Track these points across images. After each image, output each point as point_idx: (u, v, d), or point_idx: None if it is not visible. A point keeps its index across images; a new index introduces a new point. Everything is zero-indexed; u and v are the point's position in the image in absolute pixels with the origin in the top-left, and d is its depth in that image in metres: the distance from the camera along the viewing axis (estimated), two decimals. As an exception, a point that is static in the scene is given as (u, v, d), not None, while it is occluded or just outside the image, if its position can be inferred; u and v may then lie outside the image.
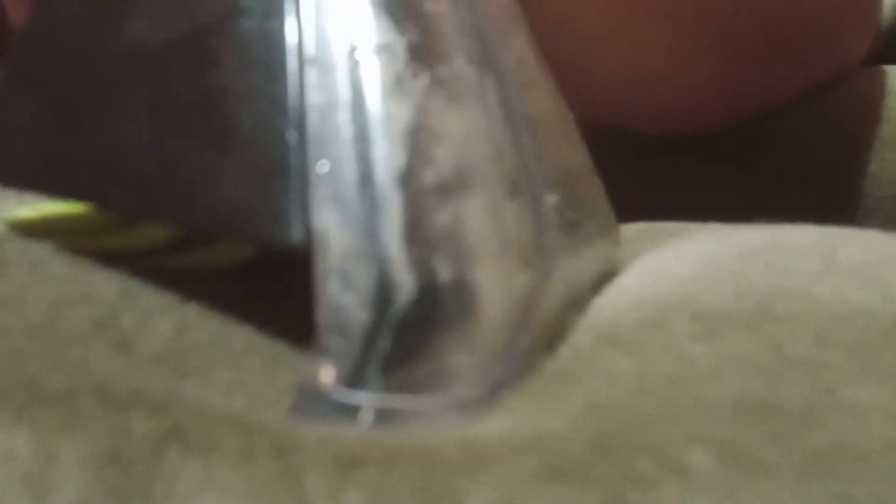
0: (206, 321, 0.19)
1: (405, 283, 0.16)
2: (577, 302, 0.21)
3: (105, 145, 0.18)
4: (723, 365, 0.17)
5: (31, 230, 0.20)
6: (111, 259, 0.20)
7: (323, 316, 0.16)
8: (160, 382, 0.17)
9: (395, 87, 0.18)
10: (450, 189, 0.17)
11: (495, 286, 0.17)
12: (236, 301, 0.19)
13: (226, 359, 0.18)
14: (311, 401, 0.16)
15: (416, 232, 0.17)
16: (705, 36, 0.42)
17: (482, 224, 0.18)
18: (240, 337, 0.19)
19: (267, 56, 0.18)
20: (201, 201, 0.17)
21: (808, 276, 0.21)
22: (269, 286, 0.20)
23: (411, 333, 0.16)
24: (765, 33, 0.43)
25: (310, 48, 0.18)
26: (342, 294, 0.16)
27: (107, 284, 0.19)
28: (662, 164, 0.48)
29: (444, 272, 0.17)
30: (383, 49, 0.18)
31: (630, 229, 0.28)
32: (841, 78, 0.49)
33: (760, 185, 0.48)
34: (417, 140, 0.17)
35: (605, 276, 0.22)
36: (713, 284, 0.21)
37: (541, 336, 0.19)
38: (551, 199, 0.20)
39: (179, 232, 0.20)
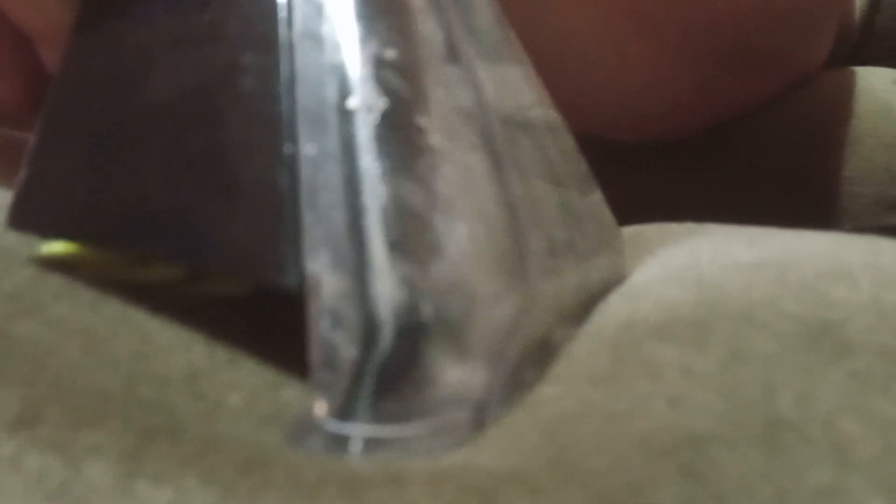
0: (216, 348, 0.20)
1: (389, 322, 0.18)
2: (575, 315, 0.22)
3: (126, 195, 0.20)
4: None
5: (61, 264, 0.22)
6: (133, 289, 0.21)
7: (315, 352, 0.18)
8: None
9: (382, 137, 0.19)
10: (433, 232, 0.19)
11: (479, 318, 0.19)
12: (244, 329, 0.21)
13: (233, 384, 0.19)
14: (304, 432, 0.17)
15: (400, 275, 0.18)
16: (687, 49, 0.43)
17: (465, 262, 0.19)
18: (247, 363, 0.20)
19: (264, 112, 0.19)
20: (209, 246, 0.19)
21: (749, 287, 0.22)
22: (274, 315, 0.21)
23: (397, 367, 0.18)
24: (740, 44, 0.44)
25: (304, 103, 0.19)
26: (332, 332, 0.18)
27: (129, 319, 0.20)
28: (637, 168, 0.49)
29: (427, 310, 0.18)
30: (370, 102, 0.19)
31: (628, 232, 0.29)
32: (806, 80, 0.50)
33: (734, 185, 0.49)
34: (402, 187, 0.19)
35: (610, 285, 0.23)
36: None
37: (527, 355, 0.20)
38: (538, 223, 0.21)
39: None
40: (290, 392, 0.19)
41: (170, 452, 0.16)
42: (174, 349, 0.20)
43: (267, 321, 0.22)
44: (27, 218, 0.21)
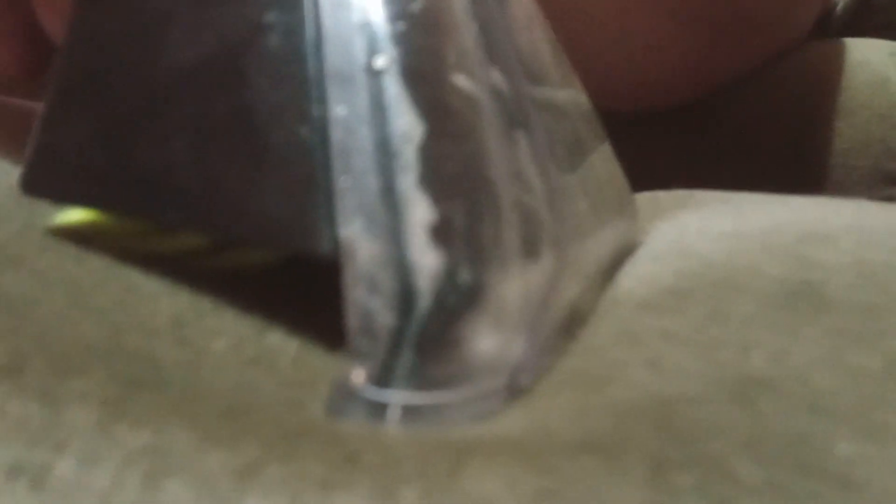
0: (201, 296, 0.20)
1: (427, 287, 0.17)
2: (597, 279, 0.22)
3: (148, 162, 0.19)
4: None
5: (75, 235, 0.21)
6: (153, 260, 0.21)
7: (352, 319, 0.17)
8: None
9: (413, 97, 0.18)
10: (467, 193, 0.18)
11: (514, 282, 0.18)
12: (272, 301, 0.20)
13: (218, 330, 0.19)
14: (344, 399, 0.17)
15: (437, 238, 0.17)
16: (684, 13, 0.43)
17: (500, 224, 0.18)
18: (233, 310, 0.20)
19: (291, 72, 0.18)
20: (237, 215, 0.18)
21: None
22: (304, 286, 0.21)
23: (435, 334, 0.17)
24: (733, 9, 0.44)
25: (332, 62, 0.18)
26: (369, 299, 0.17)
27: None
28: (630, 139, 0.49)
29: (464, 274, 0.17)
30: (400, 61, 0.18)
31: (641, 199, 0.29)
32: (795, 47, 0.50)
33: (727, 157, 0.49)
34: (435, 148, 0.18)
35: (625, 251, 0.23)
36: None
37: (560, 321, 0.20)
38: (566, 185, 0.21)
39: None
40: (275, 337, 0.19)
41: (152, 400, 0.16)
42: (160, 298, 0.20)
43: (287, 292, 0.21)
44: (41, 183, 0.21)
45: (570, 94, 0.24)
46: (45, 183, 0.21)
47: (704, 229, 0.23)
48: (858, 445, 0.16)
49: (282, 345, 0.19)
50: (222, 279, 0.20)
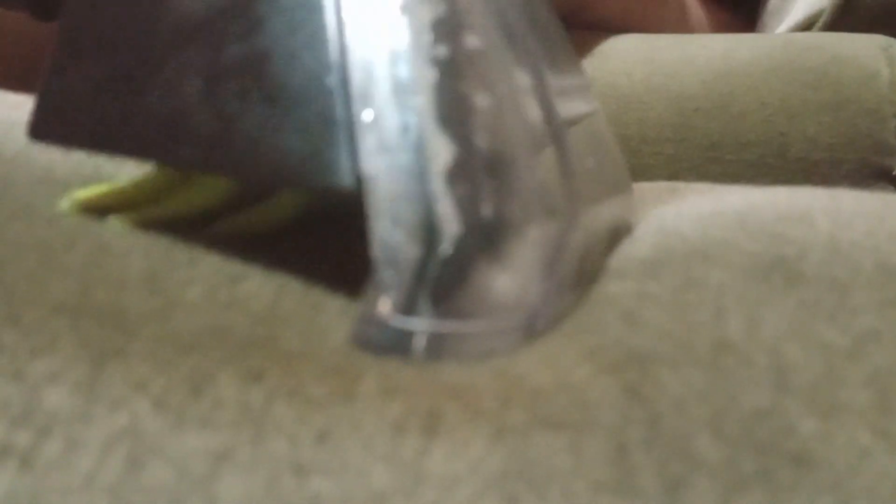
0: (176, 250, 0.20)
1: (448, 220, 0.17)
2: (597, 248, 0.22)
3: (164, 106, 0.19)
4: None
5: (93, 208, 0.21)
6: (174, 229, 0.21)
7: (376, 252, 0.17)
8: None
9: (431, 41, 0.19)
10: (487, 133, 0.18)
11: (532, 223, 0.18)
12: (291, 255, 0.21)
13: (192, 280, 0.19)
14: (371, 328, 0.17)
15: (457, 173, 0.18)
16: None
17: (518, 166, 0.19)
18: (208, 261, 0.20)
19: (308, 19, 0.19)
20: (259, 156, 0.18)
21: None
22: (320, 238, 0.21)
23: (456, 265, 0.17)
24: None
25: (348, 9, 0.19)
26: (392, 232, 0.17)
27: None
28: None
29: (484, 209, 0.18)
30: (418, 5, 0.19)
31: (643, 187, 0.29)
32: None
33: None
34: (454, 89, 0.18)
35: (622, 227, 0.23)
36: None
37: (568, 276, 0.20)
38: (577, 149, 0.21)
39: (231, 195, 0.21)
40: (250, 284, 0.19)
41: (122, 376, 0.16)
42: (132, 254, 0.20)
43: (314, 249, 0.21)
44: (50, 128, 0.21)
45: (575, 75, 0.24)
46: (54, 128, 0.21)
47: (683, 212, 0.23)
48: (821, 423, 0.16)
49: (257, 290, 0.19)
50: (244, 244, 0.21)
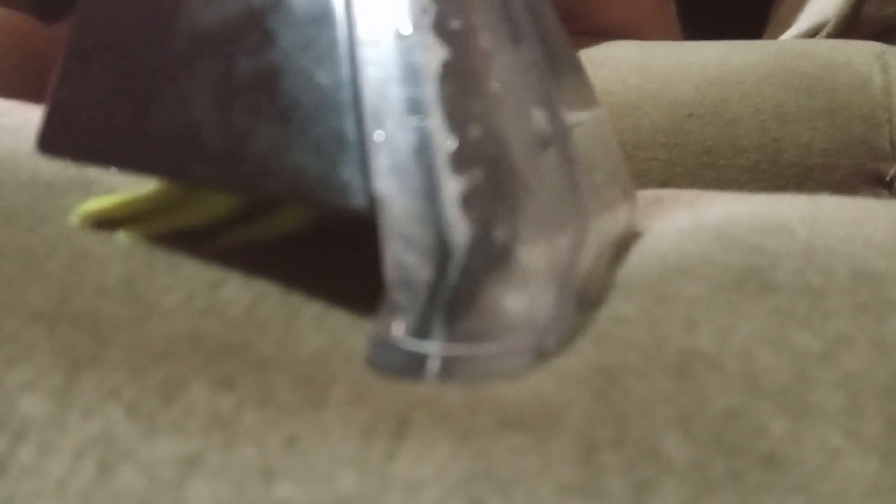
0: (156, 257, 0.20)
1: (460, 242, 0.17)
2: (604, 260, 0.22)
3: (175, 121, 0.19)
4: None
5: (101, 220, 0.21)
6: (180, 241, 0.20)
7: (390, 273, 0.17)
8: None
9: (443, 62, 0.18)
10: (497, 155, 0.18)
11: (543, 241, 0.18)
12: (299, 269, 0.20)
13: (170, 287, 0.19)
14: (384, 352, 0.17)
15: (470, 194, 0.17)
16: None
17: (530, 184, 0.19)
18: (189, 267, 0.20)
19: (320, 35, 0.18)
20: (270, 173, 0.18)
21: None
22: (328, 253, 0.21)
23: (469, 287, 0.17)
24: None
25: (360, 27, 0.19)
26: (405, 253, 0.17)
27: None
28: None
29: (497, 229, 0.17)
30: (430, 26, 0.19)
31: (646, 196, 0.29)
32: None
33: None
34: (466, 108, 0.18)
35: (627, 236, 0.23)
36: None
37: (579, 290, 0.20)
38: (585, 164, 0.21)
39: (239, 207, 0.21)
40: (228, 290, 0.19)
41: (96, 383, 0.16)
42: (113, 260, 0.20)
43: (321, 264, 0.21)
44: (58, 142, 0.20)
45: (583, 89, 0.24)
46: (62, 141, 0.20)
47: (664, 231, 0.23)
48: (791, 424, 0.16)
49: (235, 297, 0.19)
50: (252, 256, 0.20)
